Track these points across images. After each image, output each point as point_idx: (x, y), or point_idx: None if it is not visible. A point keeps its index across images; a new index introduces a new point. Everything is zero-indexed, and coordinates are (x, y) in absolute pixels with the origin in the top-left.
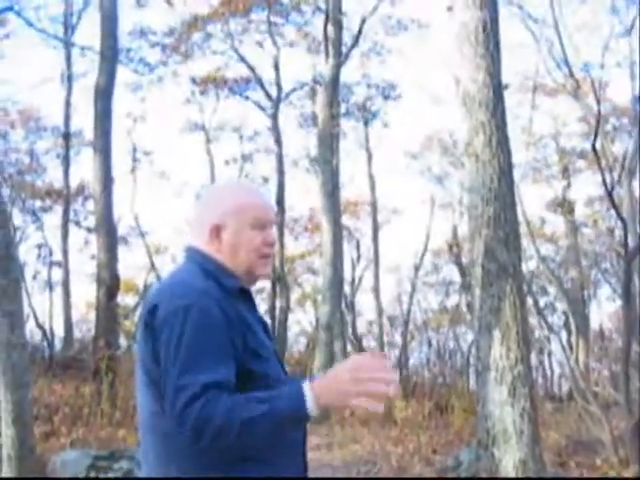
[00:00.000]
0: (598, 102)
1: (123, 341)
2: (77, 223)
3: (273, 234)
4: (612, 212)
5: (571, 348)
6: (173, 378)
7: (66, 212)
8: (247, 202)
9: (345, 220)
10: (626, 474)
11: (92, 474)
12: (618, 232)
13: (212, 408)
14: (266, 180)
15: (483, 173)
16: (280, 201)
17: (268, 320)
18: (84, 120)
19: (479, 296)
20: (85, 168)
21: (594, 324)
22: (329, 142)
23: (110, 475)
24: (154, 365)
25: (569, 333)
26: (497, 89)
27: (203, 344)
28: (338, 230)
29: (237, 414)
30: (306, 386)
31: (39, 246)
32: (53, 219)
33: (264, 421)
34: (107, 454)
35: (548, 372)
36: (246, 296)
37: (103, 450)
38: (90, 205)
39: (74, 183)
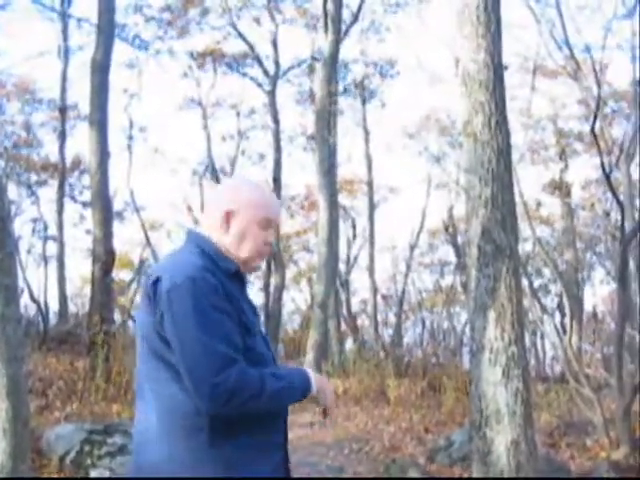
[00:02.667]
0: (598, 84)
1: (118, 316)
2: (72, 197)
3: (272, 234)
4: (608, 195)
5: (564, 330)
6: (198, 345)
7: (61, 186)
8: (262, 201)
9: (341, 199)
10: (616, 455)
11: (86, 448)
12: (614, 215)
13: (246, 376)
14: (262, 157)
15: (481, 153)
16: (276, 178)
17: (263, 297)
18: (80, 94)
19: (475, 277)
20: (81, 142)
21: (587, 307)
22: (327, 120)
23: (104, 449)
24: (156, 335)
25: (562, 315)
26: (497, 69)
27: (217, 313)
28: (334, 209)
29: (267, 385)
30: (309, 370)
31: (34, 220)
32: (48, 193)
33: (285, 394)
34: (101, 428)
35: (540, 354)
36: (239, 279)
37: (97, 424)
38: (86, 179)
39: (70, 157)
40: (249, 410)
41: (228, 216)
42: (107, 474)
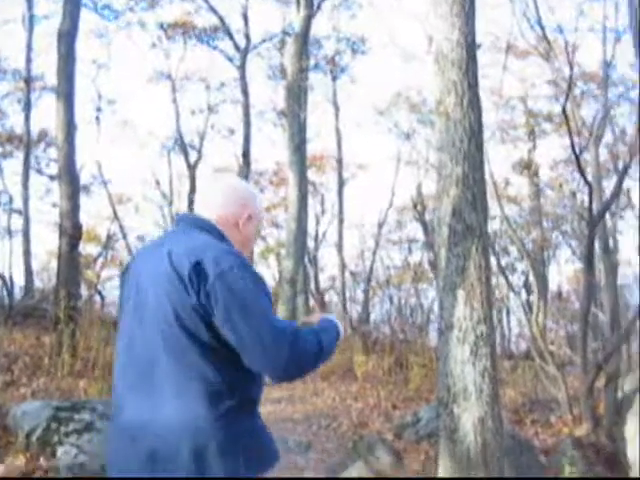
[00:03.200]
0: (571, 66)
1: (84, 291)
2: (38, 170)
3: None
4: (576, 175)
5: (530, 308)
6: (258, 325)
7: (27, 159)
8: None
9: (310, 174)
10: (579, 432)
11: (53, 425)
12: (580, 195)
13: (303, 340)
14: (232, 132)
15: (453, 132)
16: (246, 154)
17: None
18: (46, 64)
19: (444, 256)
20: (47, 114)
21: (552, 285)
22: (297, 95)
23: (71, 427)
24: (194, 315)
25: (528, 293)
26: (470, 48)
27: (265, 294)
28: (304, 185)
29: (323, 342)
30: (333, 316)
31: None
32: (14, 165)
33: (333, 345)
34: (68, 405)
35: (506, 331)
36: None
37: (64, 401)
38: (52, 152)
39: (36, 129)
40: (312, 369)
41: (248, 219)
42: (74, 451)
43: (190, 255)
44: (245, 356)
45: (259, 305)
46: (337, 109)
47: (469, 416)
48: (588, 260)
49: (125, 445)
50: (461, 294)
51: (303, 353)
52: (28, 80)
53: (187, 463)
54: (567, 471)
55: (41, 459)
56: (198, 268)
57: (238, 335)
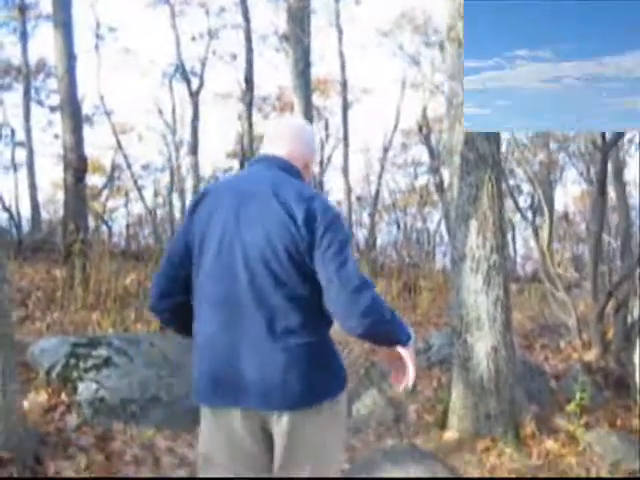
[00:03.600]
0: None
1: (92, 222)
2: (39, 102)
3: None
4: None
5: (537, 230)
6: (353, 268)
7: (27, 90)
8: None
9: (314, 99)
10: (588, 357)
11: (72, 361)
12: None
13: (380, 304)
14: (234, 57)
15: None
16: (249, 79)
17: None
18: None
19: (457, 185)
20: (45, 44)
21: (558, 206)
22: (300, 19)
23: (90, 362)
24: (305, 252)
25: (534, 215)
26: None
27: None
28: (309, 110)
29: (396, 319)
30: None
31: (0, 126)
32: (14, 98)
33: (403, 329)
34: (86, 341)
35: (512, 252)
36: None
37: (79, 334)
38: (52, 83)
39: (34, 59)
40: (378, 332)
41: (313, 159)
42: (94, 387)
43: (299, 201)
44: (329, 297)
45: (351, 254)
46: (340, 32)
47: (482, 345)
48: (600, 185)
49: (229, 379)
50: (474, 224)
51: (378, 311)
52: (22, 8)
53: (294, 391)
54: (578, 397)
55: (62, 395)
56: (309, 213)
57: (329, 276)
